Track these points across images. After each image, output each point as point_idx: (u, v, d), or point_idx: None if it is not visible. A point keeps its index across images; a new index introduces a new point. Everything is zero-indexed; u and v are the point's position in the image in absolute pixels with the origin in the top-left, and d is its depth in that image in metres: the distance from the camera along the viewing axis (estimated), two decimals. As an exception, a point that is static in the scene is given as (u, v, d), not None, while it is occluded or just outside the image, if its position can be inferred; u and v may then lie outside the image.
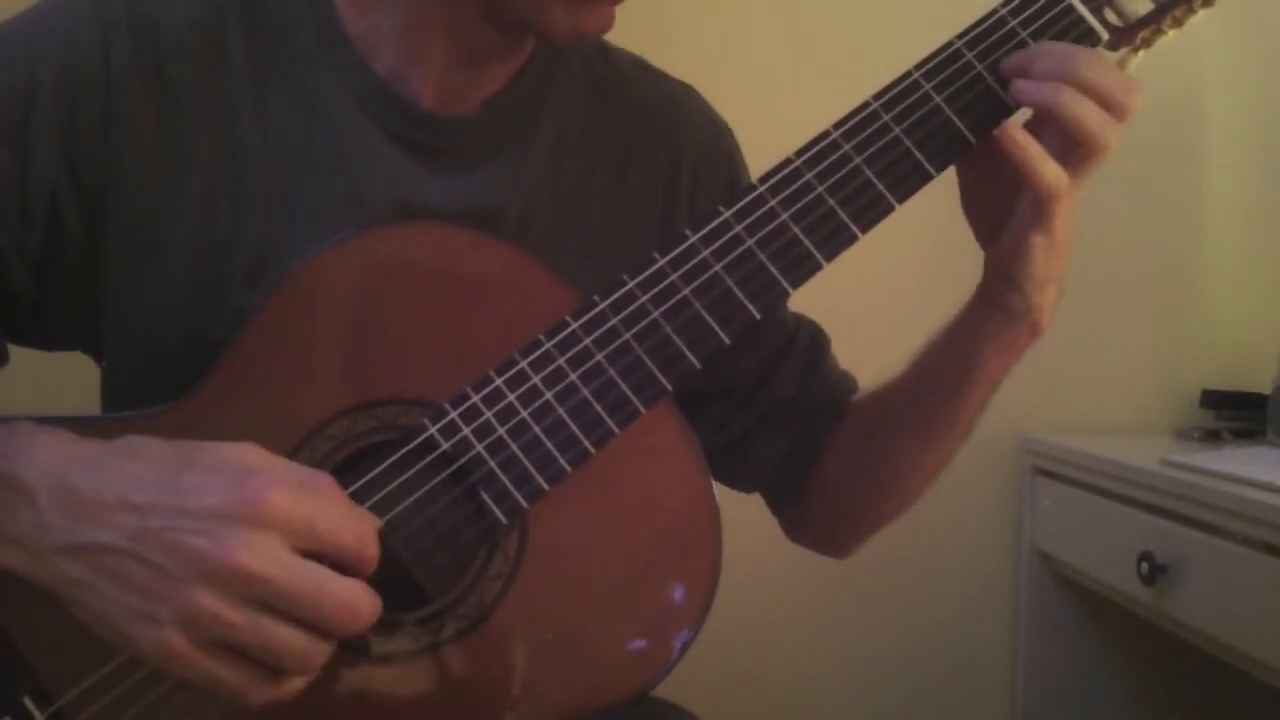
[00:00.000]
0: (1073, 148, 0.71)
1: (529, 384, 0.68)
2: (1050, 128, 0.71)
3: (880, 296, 1.48)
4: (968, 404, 0.82)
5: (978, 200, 0.78)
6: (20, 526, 0.60)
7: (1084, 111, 0.69)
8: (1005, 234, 0.75)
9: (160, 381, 0.69)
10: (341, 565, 0.59)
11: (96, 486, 0.59)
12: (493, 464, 0.67)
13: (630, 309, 0.69)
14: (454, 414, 0.67)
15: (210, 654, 0.57)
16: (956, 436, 0.85)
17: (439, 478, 0.67)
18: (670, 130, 0.88)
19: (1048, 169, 0.70)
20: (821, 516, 0.93)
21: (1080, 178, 0.72)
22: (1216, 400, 1.59)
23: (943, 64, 0.73)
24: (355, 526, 0.60)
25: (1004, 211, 0.75)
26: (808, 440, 0.91)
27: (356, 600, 0.59)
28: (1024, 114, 0.73)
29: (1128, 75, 0.72)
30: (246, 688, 0.59)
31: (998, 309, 0.77)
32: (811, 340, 0.92)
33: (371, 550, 0.61)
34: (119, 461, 0.61)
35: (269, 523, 0.57)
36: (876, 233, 0.73)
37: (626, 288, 0.70)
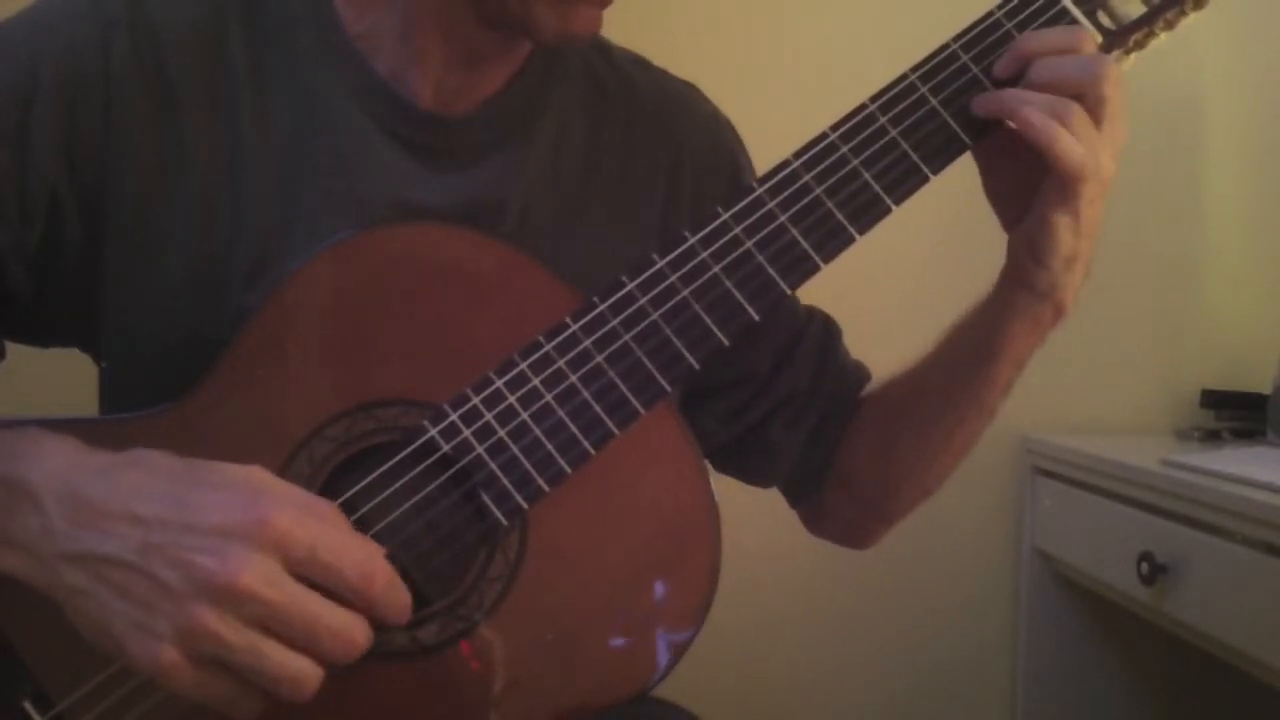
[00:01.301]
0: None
1: (529, 386, 0.68)
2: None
3: (878, 296, 1.48)
4: (994, 383, 0.82)
5: (999, 183, 0.78)
6: (25, 530, 0.60)
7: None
8: (1031, 214, 0.74)
9: (160, 381, 0.69)
10: (339, 597, 0.59)
11: (104, 496, 0.59)
12: (494, 466, 0.67)
13: (630, 311, 0.70)
14: (454, 416, 0.67)
15: (203, 670, 0.57)
16: (982, 417, 0.85)
17: (439, 480, 0.67)
18: (671, 129, 0.88)
19: (1069, 147, 0.70)
20: (844, 506, 0.93)
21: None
22: (1216, 400, 1.59)
23: (939, 66, 0.73)
24: (357, 561, 0.60)
25: (1027, 193, 0.75)
26: (825, 430, 0.91)
27: (349, 630, 0.59)
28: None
29: (1098, 56, 0.72)
30: (236, 704, 0.59)
31: (1024, 287, 0.77)
32: (823, 330, 0.92)
33: (376, 587, 0.60)
34: (127, 472, 0.61)
35: (272, 544, 0.57)
36: (875, 233, 0.73)
37: (626, 289, 0.70)
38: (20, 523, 0.60)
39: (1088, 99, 0.71)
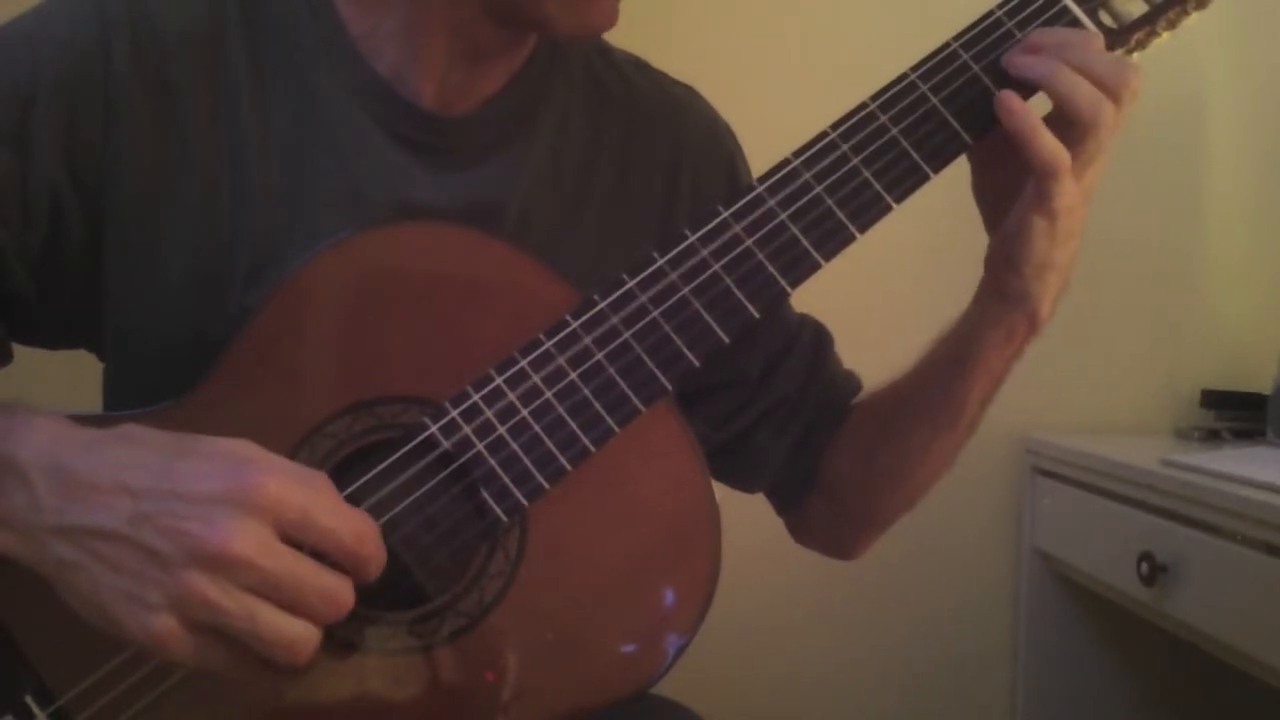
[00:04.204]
0: (1069, 127, 0.70)
1: (529, 383, 0.68)
2: (1055, 116, 0.71)
3: (880, 296, 1.48)
4: (969, 395, 0.82)
5: (987, 184, 0.78)
6: (13, 507, 0.60)
7: (1075, 86, 0.69)
8: (1009, 216, 0.75)
9: (162, 381, 0.69)
10: (333, 561, 0.59)
11: (92, 469, 0.59)
12: (493, 462, 0.67)
13: (630, 308, 0.70)
14: (454, 413, 0.67)
15: (199, 637, 0.57)
16: (960, 430, 0.84)
17: (439, 476, 0.67)
18: (671, 130, 0.88)
19: (1045, 140, 0.70)
20: (828, 516, 0.93)
21: (1081, 159, 0.71)
22: (1216, 400, 1.59)
23: (939, 65, 0.73)
24: (352, 523, 0.60)
25: (1012, 196, 0.75)
26: (813, 438, 0.91)
27: (337, 592, 0.59)
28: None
29: (1123, 58, 0.71)
30: (233, 671, 0.59)
31: (997, 295, 0.77)
32: (815, 338, 0.92)
33: (369, 548, 0.61)
34: (114, 445, 0.61)
35: (263, 510, 0.57)
36: (877, 232, 0.73)
37: (626, 287, 0.70)
38: (8, 500, 0.60)
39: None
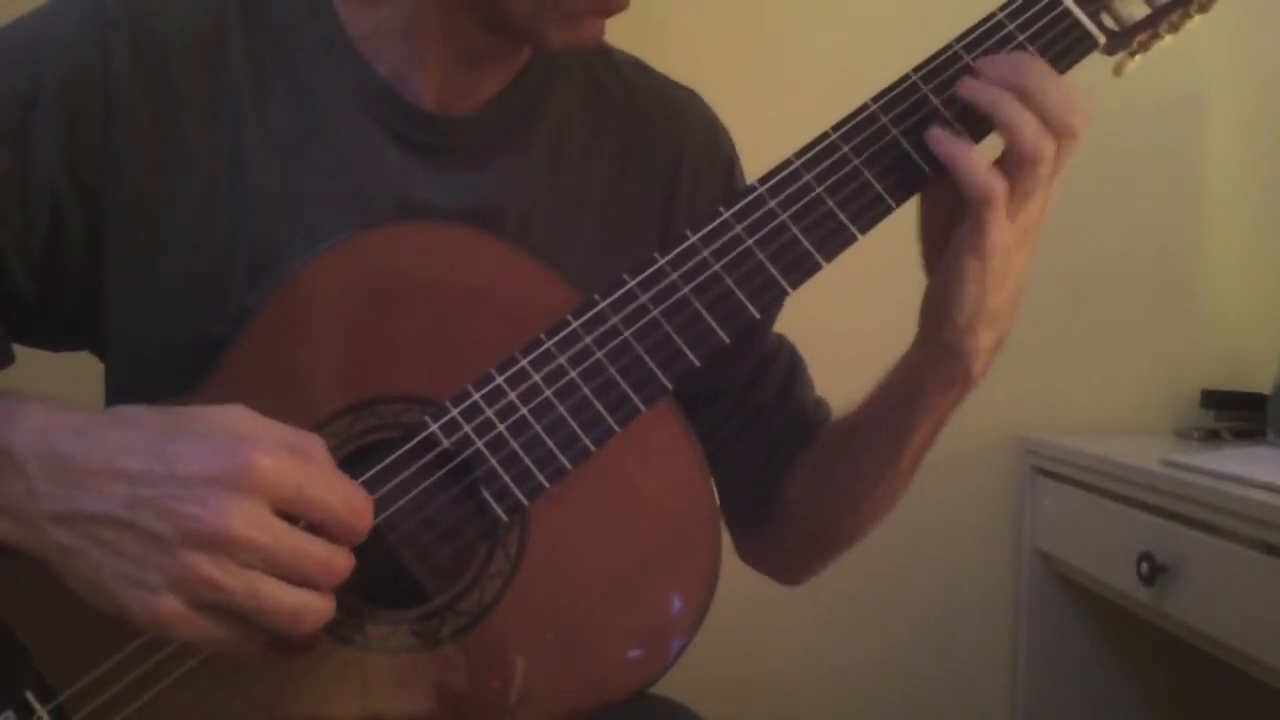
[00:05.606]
0: (1011, 156, 0.70)
1: (529, 382, 0.68)
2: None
3: (879, 300, 1.48)
4: (913, 435, 0.80)
5: (929, 223, 0.77)
6: (9, 493, 0.60)
7: (1019, 117, 0.69)
8: (943, 260, 0.73)
9: (163, 380, 0.69)
10: (329, 532, 0.60)
11: (87, 453, 0.59)
12: (494, 461, 0.67)
13: (630, 308, 0.70)
14: (455, 412, 0.67)
15: (203, 616, 0.58)
16: (902, 468, 0.83)
17: (439, 475, 0.67)
18: (670, 132, 0.88)
19: (978, 166, 0.69)
20: (777, 539, 0.92)
21: (1018, 193, 0.70)
22: (1216, 400, 1.59)
23: (940, 67, 0.73)
24: (344, 494, 0.60)
25: (950, 232, 0.73)
26: (776, 460, 0.90)
27: (334, 561, 0.60)
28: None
29: (1076, 95, 0.70)
30: (240, 646, 0.59)
31: (934, 342, 0.76)
32: (790, 361, 0.92)
33: (363, 520, 0.61)
34: (107, 428, 0.61)
35: (258, 487, 0.58)
36: (876, 234, 0.73)
37: (627, 287, 0.70)
38: (4, 487, 0.60)
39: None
